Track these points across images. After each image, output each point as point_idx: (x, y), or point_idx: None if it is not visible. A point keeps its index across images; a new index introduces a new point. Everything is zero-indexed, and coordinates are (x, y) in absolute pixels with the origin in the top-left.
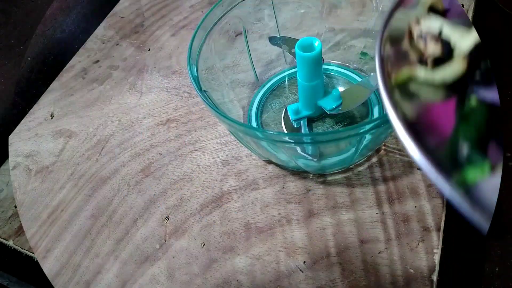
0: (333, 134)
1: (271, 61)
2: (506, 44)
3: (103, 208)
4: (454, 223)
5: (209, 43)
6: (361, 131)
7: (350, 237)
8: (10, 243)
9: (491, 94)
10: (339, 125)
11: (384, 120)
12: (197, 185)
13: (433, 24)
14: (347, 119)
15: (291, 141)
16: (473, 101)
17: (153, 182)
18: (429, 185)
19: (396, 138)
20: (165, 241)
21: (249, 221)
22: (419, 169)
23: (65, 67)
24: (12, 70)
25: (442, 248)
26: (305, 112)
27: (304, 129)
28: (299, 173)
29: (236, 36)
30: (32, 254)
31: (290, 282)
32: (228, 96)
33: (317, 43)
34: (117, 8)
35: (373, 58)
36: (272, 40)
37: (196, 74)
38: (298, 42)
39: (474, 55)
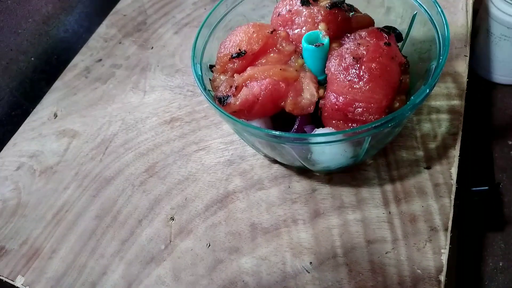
0: (340, 135)
1: None
2: None
3: (107, 209)
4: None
5: (213, 41)
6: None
7: (357, 237)
8: None
9: None
10: None
11: (391, 118)
12: (202, 185)
13: None
14: None
15: (297, 141)
16: None
17: (157, 182)
18: (436, 185)
19: (403, 136)
20: (170, 241)
21: (255, 222)
22: (426, 168)
23: (68, 66)
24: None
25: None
26: None
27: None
28: (305, 172)
29: None
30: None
31: (297, 283)
32: None
33: (324, 36)
34: (119, 6)
35: None
36: None
37: (200, 73)
38: (305, 36)
39: None
